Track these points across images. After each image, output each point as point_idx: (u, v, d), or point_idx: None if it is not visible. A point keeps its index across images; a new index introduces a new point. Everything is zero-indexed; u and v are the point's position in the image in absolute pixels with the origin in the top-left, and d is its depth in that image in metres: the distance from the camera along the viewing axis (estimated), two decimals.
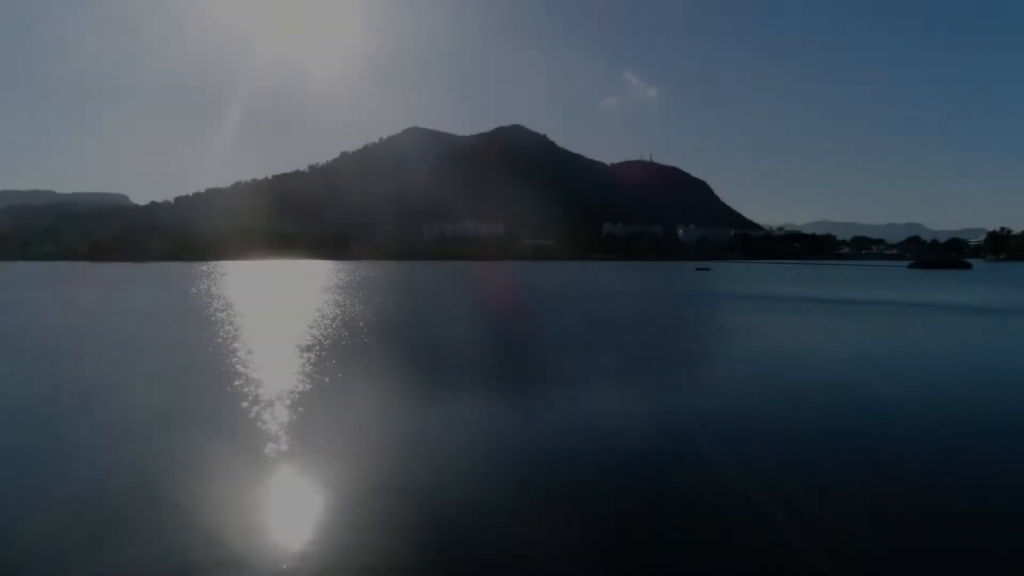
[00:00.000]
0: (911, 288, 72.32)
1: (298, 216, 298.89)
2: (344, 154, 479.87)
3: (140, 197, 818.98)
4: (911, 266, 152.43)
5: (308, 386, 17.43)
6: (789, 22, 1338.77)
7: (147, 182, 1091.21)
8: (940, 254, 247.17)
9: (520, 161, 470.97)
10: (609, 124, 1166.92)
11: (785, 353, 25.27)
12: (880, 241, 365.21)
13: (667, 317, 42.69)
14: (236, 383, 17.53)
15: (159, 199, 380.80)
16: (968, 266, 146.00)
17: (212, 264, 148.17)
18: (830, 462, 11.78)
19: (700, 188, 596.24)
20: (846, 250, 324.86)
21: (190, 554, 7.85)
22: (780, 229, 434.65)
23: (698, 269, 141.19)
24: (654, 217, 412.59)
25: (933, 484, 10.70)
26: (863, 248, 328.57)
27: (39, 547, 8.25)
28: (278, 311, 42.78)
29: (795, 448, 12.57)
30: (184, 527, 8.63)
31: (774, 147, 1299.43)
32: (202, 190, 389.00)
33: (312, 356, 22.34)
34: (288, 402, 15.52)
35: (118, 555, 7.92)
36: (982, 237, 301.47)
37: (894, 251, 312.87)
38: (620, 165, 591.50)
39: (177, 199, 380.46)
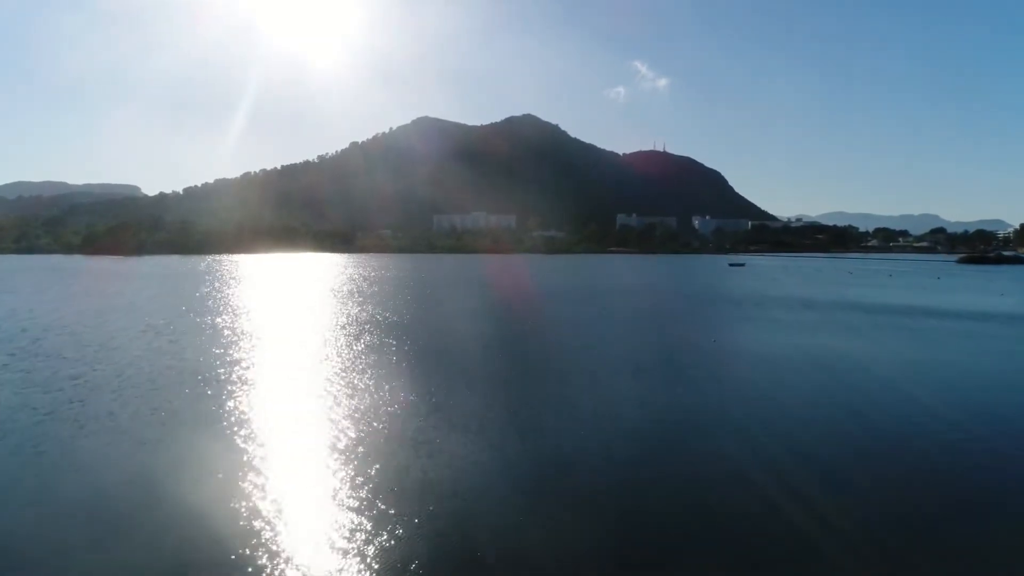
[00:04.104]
0: (1000, 291, 63.64)
1: (306, 207, 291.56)
2: (354, 144, 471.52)
3: (152, 189, 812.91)
4: (960, 261, 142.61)
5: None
6: (799, 11, 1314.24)
7: (160, 173, 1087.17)
8: (971, 246, 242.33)
9: (531, 152, 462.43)
10: (619, 114, 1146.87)
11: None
12: (904, 232, 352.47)
13: (742, 328, 33.90)
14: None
15: (169, 191, 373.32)
16: (1022, 261, 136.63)
17: (212, 258, 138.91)
18: None
19: (714, 178, 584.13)
20: (873, 243, 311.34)
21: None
22: (798, 220, 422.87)
23: (731, 264, 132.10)
24: (668, 208, 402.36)
25: None
26: (890, 240, 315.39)
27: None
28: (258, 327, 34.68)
29: None
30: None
31: (785, 137, 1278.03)
32: (211, 181, 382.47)
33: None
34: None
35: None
36: (1010, 230, 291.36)
37: (924, 244, 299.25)
38: (634, 155, 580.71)
39: (186, 190, 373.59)
